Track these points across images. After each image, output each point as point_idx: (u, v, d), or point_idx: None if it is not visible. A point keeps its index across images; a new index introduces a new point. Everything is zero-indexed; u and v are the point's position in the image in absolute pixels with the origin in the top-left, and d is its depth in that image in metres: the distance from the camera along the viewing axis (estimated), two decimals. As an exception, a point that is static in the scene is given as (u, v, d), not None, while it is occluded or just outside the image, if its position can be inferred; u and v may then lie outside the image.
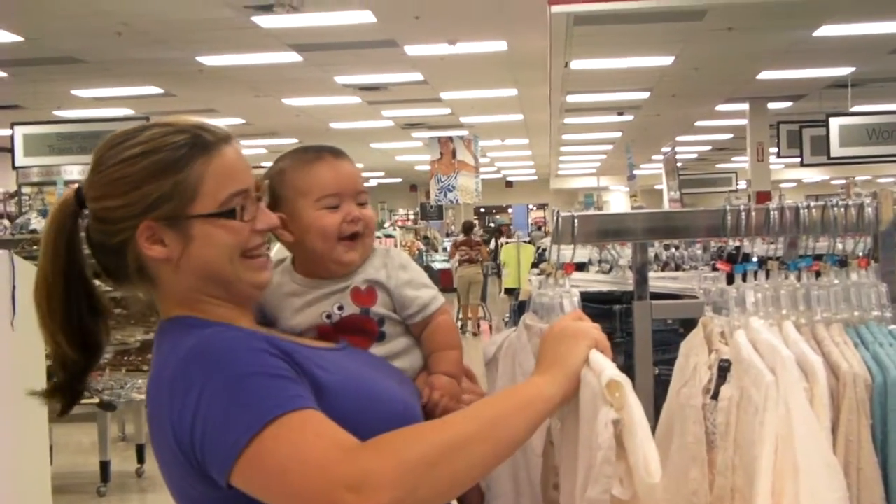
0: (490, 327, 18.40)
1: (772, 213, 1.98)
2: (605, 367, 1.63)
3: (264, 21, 11.36)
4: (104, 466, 7.82)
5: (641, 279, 2.30)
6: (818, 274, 1.85)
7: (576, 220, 2.14)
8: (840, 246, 1.96)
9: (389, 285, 1.99)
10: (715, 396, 1.72)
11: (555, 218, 2.19)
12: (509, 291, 17.63)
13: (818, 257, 1.91)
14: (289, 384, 1.61)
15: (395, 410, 1.72)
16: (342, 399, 1.67)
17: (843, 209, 1.93)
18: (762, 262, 1.89)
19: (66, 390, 1.83)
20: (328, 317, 1.98)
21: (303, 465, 1.51)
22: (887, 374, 1.64)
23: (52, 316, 1.77)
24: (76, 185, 1.80)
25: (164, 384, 1.65)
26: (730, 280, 1.88)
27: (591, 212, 2.22)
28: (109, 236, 1.74)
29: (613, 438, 1.57)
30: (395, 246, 18.34)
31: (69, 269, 1.77)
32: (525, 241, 18.92)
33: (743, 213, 2.01)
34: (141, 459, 8.23)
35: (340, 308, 1.98)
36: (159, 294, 1.79)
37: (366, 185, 2.08)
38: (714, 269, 2.26)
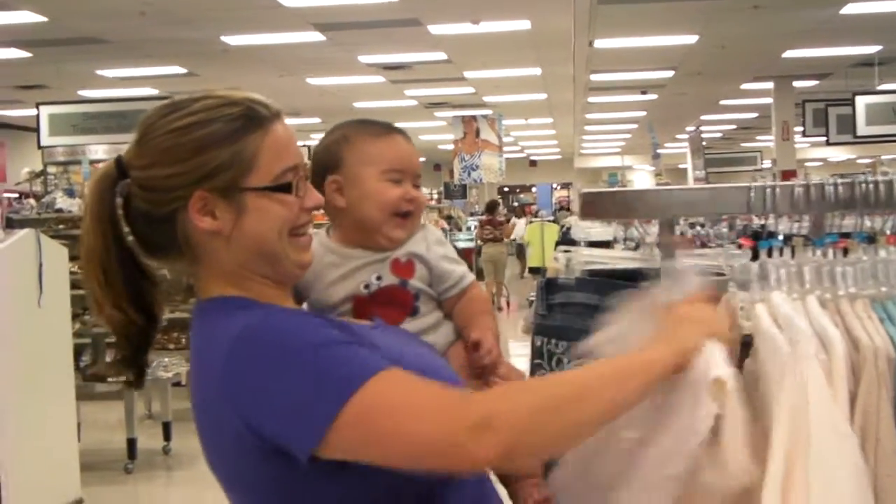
0: (507, 304, 18.47)
1: (796, 190, 1.97)
2: (716, 363, 1.64)
3: (288, 0, 11.35)
4: (131, 444, 7.88)
5: (668, 255, 2.30)
6: (846, 251, 1.84)
7: (602, 196, 2.14)
8: (868, 223, 1.95)
9: (430, 258, 2.02)
10: (739, 369, 1.74)
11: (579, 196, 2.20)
12: (534, 270, 17.63)
13: (845, 235, 1.90)
14: (365, 350, 1.61)
15: (448, 380, 1.69)
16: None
17: (871, 186, 1.91)
18: (787, 239, 1.88)
19: (133, 361, 1.79)
20: (366, 286, 1.99)
21: (419, 412, 1.52)
22: (912, 347, 1.65)
23: (112, 286, 1.73)
24: (116, 156, 1.78)
25: (216, 367, 1.63)
26: (755, 257, 1.88)
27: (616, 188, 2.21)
28: (158, 206, 1.70)
29: (710, 431, 1.60)
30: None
31: (116, 237, 1.73)
32: (549, 220, 18.90)
33: (768, 190, 2.01)
34: (167, 437, 8.29)
35: (379, 278, 2.00)
36: (203, 270, 1.76)
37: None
38: (739, 246, 2.25)
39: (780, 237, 1.92)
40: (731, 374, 1.62)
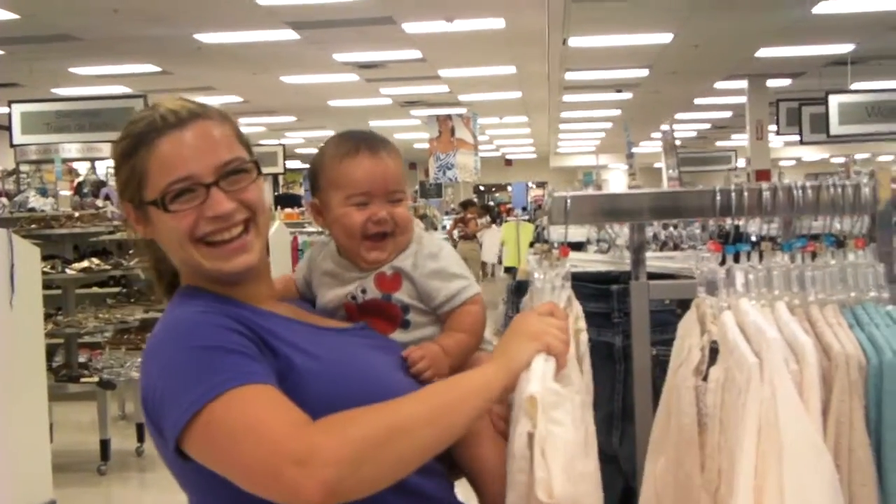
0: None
1: (764, 193, 1.97)
2: (533, 378, 1.64)
3: (262, -2, 11.33)
4: (104, 445, 7.84)
5: (638, 259, 2.30)
6: (814, 255, 1.84)
7: (569, 201, 2.14)
8: (838, 226, 1.95)
9: (414, 275, 2.00)
10: (705, 378, 1.72)
11: (547, 198, 2.19)
12: (508, 270, 17.66)
13: (815, 237, 1.90)
14: (246, 360, 1.65)
15: (372, 392, 1.69)
16: (317, 380, 1.71)
17: (839, 189, 1.91)
18: (756, 242, 1.88)
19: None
20: (353, 297, 2.01)
21: (251, 436, 1.55)
22: (882, 355, 1.63)
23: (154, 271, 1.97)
24: None
25: (144, 356, 1.75)
26: (724, 261, 1.87)
27: (587, 192, 2.20)
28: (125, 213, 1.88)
29: (527, 449, 1.59)
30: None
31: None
32: (524, 220, 18.93)
33: (734, 194, 2.00)
34: (141, 438, 8.24)
35: (363, 291, 2.01)
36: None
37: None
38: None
39: (753, 238, 1.92)
40: (549, 390, 1.62)
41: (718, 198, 2.00)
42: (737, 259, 1.85)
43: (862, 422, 1.63)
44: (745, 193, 1.97)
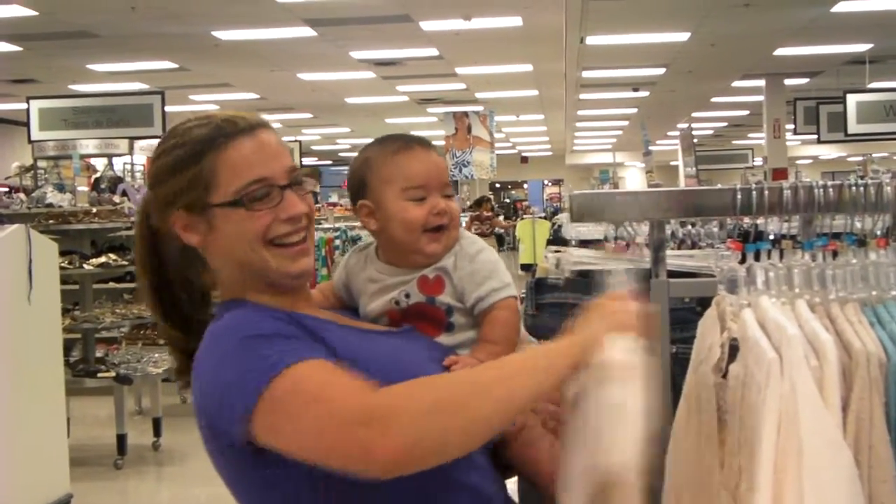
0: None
1: (785, 192, 1.96)
2: (608, 351, 1.64)
3: (279, -5, 11.35)
4: (121, 439, 7.86)
5: (658, 257, 2.30)
6: (835, 254, 1.84)
7: (584, 199, 2.14)
8: (858, 225, 1.94)
9: (454, 275, 2.00)
10: (725, 375, 1.72)
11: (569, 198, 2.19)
12: (525, 267, 17.65)
13: (836, 236, 1.89)
14: (303, 343, 1.68)
15: None
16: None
17: (861, 188, 1.91)
18: (776, 241, 1.87)
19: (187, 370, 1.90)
20: (396, 303, 2.01)
21: (322, 404, 1.57)
22: (904, 353, 1.64)
23: (152, 297, 1.93)
24: None
25: (196, 366, 1.75)
26: (744, 259, 1.87)
27: (604, 189, 2.20)
28: (161, 223, 1.86)
29: (593, 415, 1.60)
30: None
31: (153, 255, 1.92)
32: (540, 217, 18.92)
33: (755, 193, 1.99)
34: (157, 433, 8.28)
35: (407, 296, 2.01)
36: (218, 279, 1.90)
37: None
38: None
39: (771, 236, 1.91)
40: (623, 361, 1.62)
41: (740, 197, 1.99)
42: (757, 257, 1.84)
43: (882, 419, 1.63)
44: (766, 192, 1.96)
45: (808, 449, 1.53)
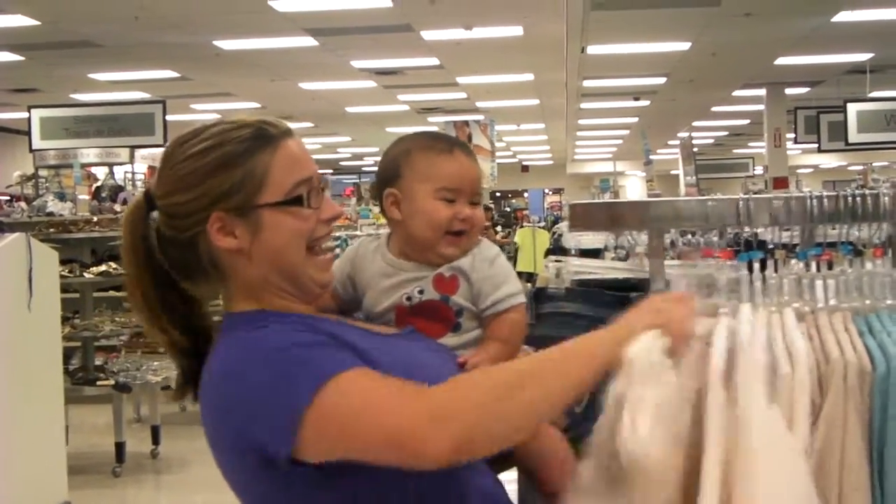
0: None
1: (781, 203, 1.96)
2: (636, 344, 1.63)
3: (281, 5, 11.36)
4: (119, 447, 7.86)
5: (657, 266, 2.30)
6: (830, 264, 1.84)
7: (584, 209, 2.14)
8: (856, 233, 1.95)
9: (472, 276, 2.01)
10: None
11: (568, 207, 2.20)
12: (523, 276, 17.63)
13: (832, 245, 1.90)
14: (337, 350, 1.67)
15: None
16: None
17: (858, 199, 1.91)
18: (770, 250, 1.88)
19: (188, 380, 1.87)
20: (408, 298, 2.02)
21: (378, 407, 1.58)
22: (891, 361, 1.64)
23: (153, 310, 1.83)
24: (146, 188, 1.87)
25: (212, 379, 1.73)
26: (750, 268, 1.87)
27: (603, 199, 2.20)
28: (181, 231, 1.79)
29: (613, 408, 1.60)
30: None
31: (150, 265, 1.83)
32: (540, 227, 18.93)
33: (752, 203, 2.00)
34: (156, 440, 8.27)
35: (421, 292, 2.02)
36: (230, 287, 1.84)
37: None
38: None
39: (770, 246, 1.92)
40: (648, 361, 1.60)
41: (741, 205, 2.00)
42: (750, 268, 1.85)
43: (857, 426, 1.63)
44: (765, 202, 1.97)
45: (760, 461, 1.53)
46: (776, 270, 1.84)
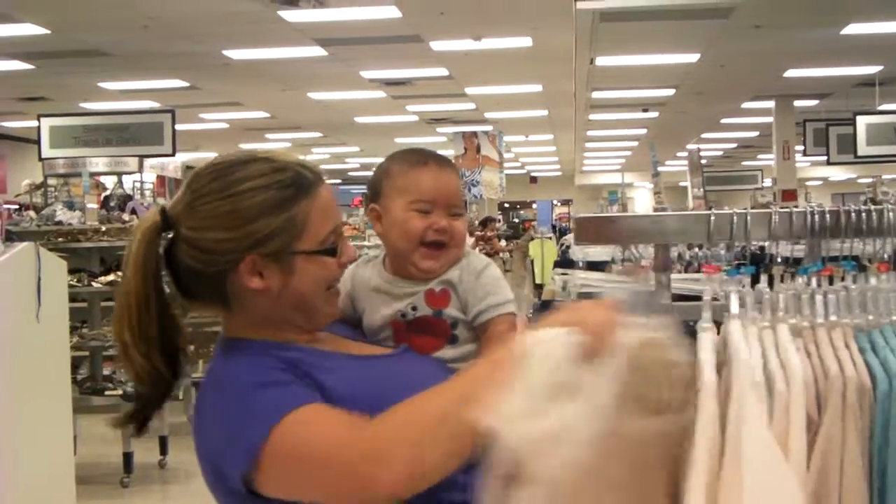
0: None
1: (785, 217, 1.96)
2: (540, 334, 1.59)
3: (290, 15, 11.39)
4: (127, 457, 7.86)
5: (663, 280, 2.30)
6: (831, 279, 1.84)
7: (590, 223, 2.15)
8: (860, 247, 1.94)
9: (459, 288, 2.04)
10: None
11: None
12: (538, 287, 17.63)
13: (834, 259, 1.90)
14: (298, 389, 1.70)
15: None
16: (361, 410, 1.69)
17: (863, 214, 1.91)
18: (767, 265, 1.88)
19: (142, 413, 1.89)
20: (403, 315, 2.05)
21: (321, 448, 1.60)
22: (894, 379, 1.63)
23: (144, 333, 1.80)
24: (161, 207, 1.85)
25: (198, 407, 1.79)
26: (754, 282, 1.87)
27: (611, 211, 2.20)
28: (208, 265, 1.79)
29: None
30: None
31: (157, 287, 1.82)
32: (548, 238, 18.93)
33: (750, 217, 2.00)
34: (164, 451, 8.27)
35: (414, 308, 2.04)
36: (236, 316, 1.85)
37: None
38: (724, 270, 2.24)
39: (779, 260, 1.91)
40: (535, 343, 1.57)
41: (735, 220, 2.00)
42: (757, 281, 1.84)
43: (857, 444, 1.62)
44: (749, 217, 1.97)
45: (749, 477, 1.52)
46: (771, 286, 1.83)
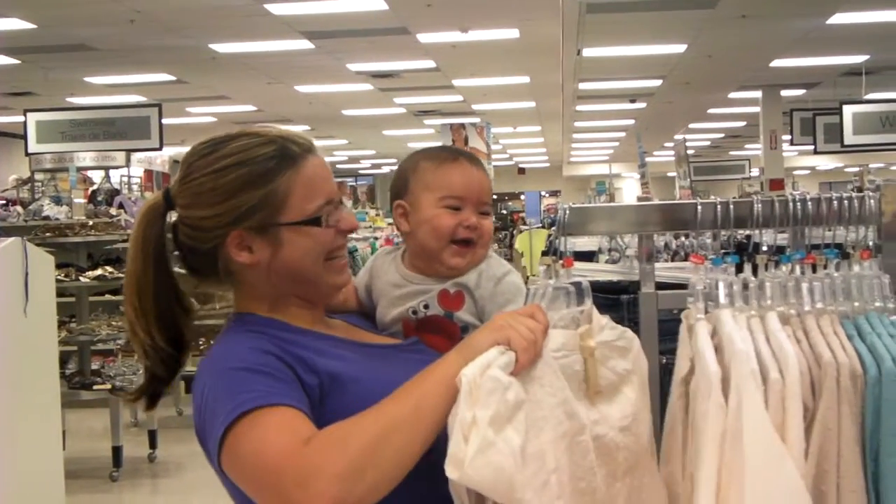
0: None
1: (755, 206, 1.97)
2: (475, 363, 1.61)
3: (276, 8, 11.37)
4: (116, 452, 7.86)
5: (647, 269, 2.31)
6: (814, 267, 1.85)
7: (574, 212, 2.16)
8: (842, 234, 1.96)
9: (476, 293, 2.02)
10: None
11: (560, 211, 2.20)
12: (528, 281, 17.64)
13: (816, 247, 1.91)
14: (269, 380, 1.68)
15: None
16: (355, 398, 1.70)
17: (845, 202, 1.92)
18: (751, 253, 1.89)
19: (151, 387, 1.90)
20: (413, 312, 2.04)
21: (260, 460, 1.59)
22: (882, 364, 1.64)
23: (146, 312, 1.84)
24: (164, 187, 1.89)
25: (196, 378, 1.77)
26: (738, 271, 1.88)
27: (598, 201, 2.21)
28: (199, 242, 1.83)
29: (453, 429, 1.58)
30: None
31: (159, 267, 1.85)
32: (538, 227, 18.93)
33: (732, 206, 2.01)
34: (153, 445, 8.27)
35: (426, 307, 2.03)
36: (240, 292, 1.89)
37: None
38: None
39: (764, 248, 1.92)
40: (487, 377, 1.58)
41: (719, 209, 2.01)
42: (739, 269, 1.86)
43: (852, 429, 1.64)
44: (757, 206, 1.98)
45: (751, 462, 1.54)
46: (755, 274, 1.84)
